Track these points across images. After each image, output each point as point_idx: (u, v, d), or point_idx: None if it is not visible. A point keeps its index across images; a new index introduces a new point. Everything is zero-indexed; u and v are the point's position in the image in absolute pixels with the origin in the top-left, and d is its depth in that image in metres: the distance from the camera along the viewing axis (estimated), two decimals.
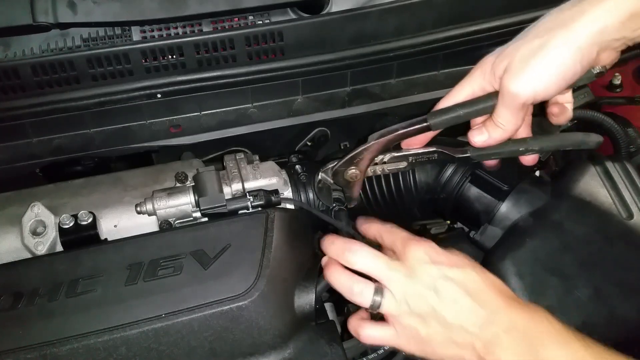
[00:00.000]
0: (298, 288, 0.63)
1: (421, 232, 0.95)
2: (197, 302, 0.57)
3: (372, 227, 0.64)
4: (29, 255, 0.68)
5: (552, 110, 0.64)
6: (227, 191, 0.71)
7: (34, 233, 0.68)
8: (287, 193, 0.75)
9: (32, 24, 0.65)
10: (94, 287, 0.58)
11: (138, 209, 0.70)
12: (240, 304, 0.56)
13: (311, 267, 0.65)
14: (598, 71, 0.59)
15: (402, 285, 0.56)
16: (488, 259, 0.69)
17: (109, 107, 0.75)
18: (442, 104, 0.64)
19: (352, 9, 0.74)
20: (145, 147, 0.80)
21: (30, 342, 0.54)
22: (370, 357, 0.66)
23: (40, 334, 0.55)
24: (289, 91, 0.83)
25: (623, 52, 0.58)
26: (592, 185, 0.71)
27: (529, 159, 0.66)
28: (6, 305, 0.57)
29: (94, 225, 0.68)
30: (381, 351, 0.67)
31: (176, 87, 0.74)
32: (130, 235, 0.66)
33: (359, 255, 0.58)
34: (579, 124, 0.85)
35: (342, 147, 0.96)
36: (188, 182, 0.73)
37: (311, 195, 0.76)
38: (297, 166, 0.78)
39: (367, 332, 0.58)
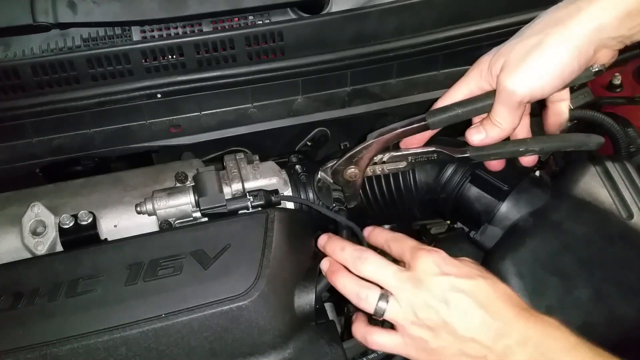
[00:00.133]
0: (298, 288, 0.63)
1: (421, 232, 0.96)
2: (197, 302, 0.56)
3: (380, 236, 0.64)
4: (29, 255, 0.68)
5: (547, 118, 0.64)
6: (227, 191, 0.71)
7: (34, 233, 0.68)
8: (287, 193, 0.75)
9: (32, 24, 0.65)
10: (94, 287, 0.58)
11: (138, 209, 0.70)
12: (240, 304, 0.56)
13: (311, 267, 0.65)
14: (597, 69, 0.59)
15: (410, 295, 0.55)
16: (488, 259, 0.69)
17: (109, 107, 0.75)
18: (440, 104, 0.65)
19: (352, 9, 0.74)
20: (145, 147, 0.80)
21: (30, 342, 0.54)
22: (370, 357, 0.66)
23: (40, 334, 0.55)
24: (289, 91, 0.82)
25: (622, 51, 0.58)
26: (592, 185, 0.71)
27: (528, 160, 0.66)
28: (6, 305, 0.57)
29: (94, 225, 0.68)
30: (381, 351, 0.67)
31: (176, 87, 0.74)
32: (130, 235, 0.66)
33: (370, 263, 0.58)
34: (579, 124, 0.85)
35: (342, 147, 0.96)
36: (188, 182, 0.73)
37: (311, 195, 0.76)
38: (297, 166, 0.78)
39: (375, 339, 0.58)
